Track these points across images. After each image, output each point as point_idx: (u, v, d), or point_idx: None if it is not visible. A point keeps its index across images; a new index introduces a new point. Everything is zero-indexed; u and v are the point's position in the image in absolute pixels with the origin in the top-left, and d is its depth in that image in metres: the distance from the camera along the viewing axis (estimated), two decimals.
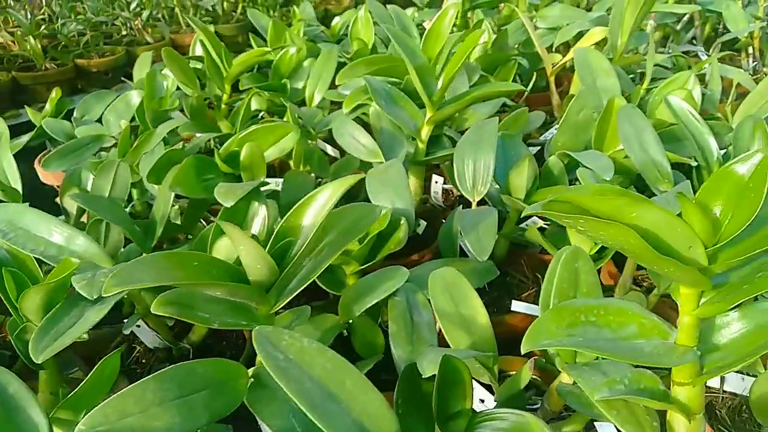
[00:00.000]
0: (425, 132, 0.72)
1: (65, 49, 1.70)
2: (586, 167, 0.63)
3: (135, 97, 0.90)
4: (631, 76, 1.17)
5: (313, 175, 0.81)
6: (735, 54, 1.28)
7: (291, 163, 0.82)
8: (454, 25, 1.24)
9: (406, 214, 0.60)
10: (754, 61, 1.24)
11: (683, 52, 1.18)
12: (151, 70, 0.99)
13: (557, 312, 0.39)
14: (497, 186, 0.67)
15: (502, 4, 1.25)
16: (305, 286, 0.45)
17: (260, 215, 0.59)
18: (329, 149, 0.95)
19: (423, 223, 0.77)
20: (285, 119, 0.84)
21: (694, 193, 0.72)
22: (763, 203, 0.31)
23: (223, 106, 1.04)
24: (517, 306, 0.63)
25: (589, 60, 0.85)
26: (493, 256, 0.70)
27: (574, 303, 0.39)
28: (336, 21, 1.34)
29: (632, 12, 0.95)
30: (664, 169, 0.63)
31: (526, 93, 1.02)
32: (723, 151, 0.71)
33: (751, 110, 0.74)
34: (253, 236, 0.44)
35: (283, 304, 0.46)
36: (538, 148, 0.97)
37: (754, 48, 1.22)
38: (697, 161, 0.66)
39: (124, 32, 1.88)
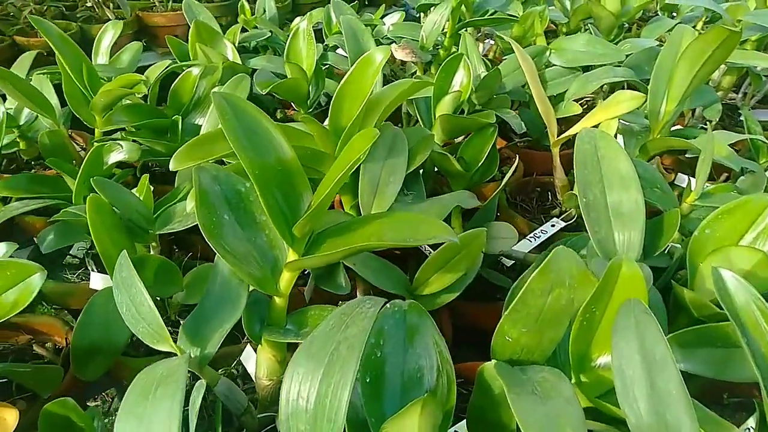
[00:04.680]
0: (286, 282, 0.42)
1: (4, 23, 1.44)
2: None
3: None
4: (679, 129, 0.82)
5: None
6: None
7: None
8: (437, 47, 0.92)
9: None
10: None
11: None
12: None
13: None
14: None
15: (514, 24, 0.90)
16: None
17: None
18: None
19: None
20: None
21: None
22: None
23: (95, 146, 0.75)
24: None
25: (597, 153, 0.52)
26: None
27: None
28: (296, 22, 1.03)
29: (690, 66, 0.61)
30: None
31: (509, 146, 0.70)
32: None
33: None
34: None
35: None
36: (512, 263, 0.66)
37: None
38: None
39: (89, 3, 1.61)
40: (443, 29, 0.87)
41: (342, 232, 0.42)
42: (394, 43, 0.79)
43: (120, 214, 0.51)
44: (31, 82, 0.78)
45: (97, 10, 1.55)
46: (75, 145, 0.88)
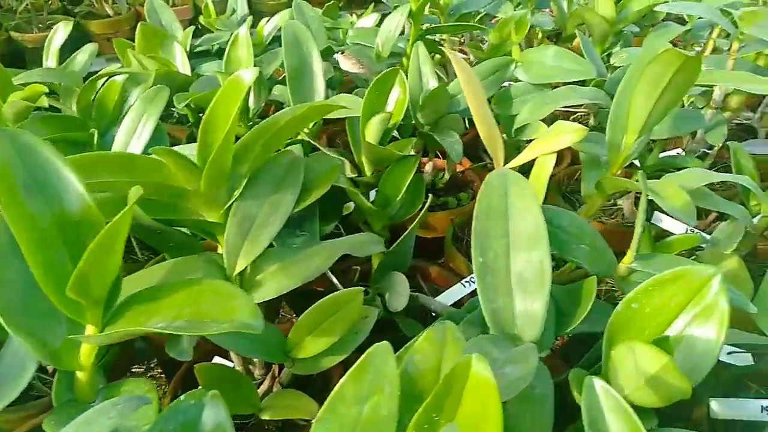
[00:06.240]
0: (86, 355, 0.35)
1: (4, 16, 1.44)
2: None
3: None
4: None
5: None
6: None
7: None
8: (400, 56, 0.83)
9: None
10: None
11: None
12: None
13: None
14: None
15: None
16: None
17: None
18: None
19: None
20: None
21: None
22: None
23: None
24: None
25: (507, 201, 0.43)
26: None
27: None
28: (262, 24, 0.96)
29: (647, 93, 0.51)
30: None
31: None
32: None
33: None
34: None
35: None
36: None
37: None
38: None
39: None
40: (405, 34, 0.79)
41: (149, 299, 0.35)
42: (338, 53, 0.71)
43: None
44: None
45: (96, 5, 1.53)
46: None
